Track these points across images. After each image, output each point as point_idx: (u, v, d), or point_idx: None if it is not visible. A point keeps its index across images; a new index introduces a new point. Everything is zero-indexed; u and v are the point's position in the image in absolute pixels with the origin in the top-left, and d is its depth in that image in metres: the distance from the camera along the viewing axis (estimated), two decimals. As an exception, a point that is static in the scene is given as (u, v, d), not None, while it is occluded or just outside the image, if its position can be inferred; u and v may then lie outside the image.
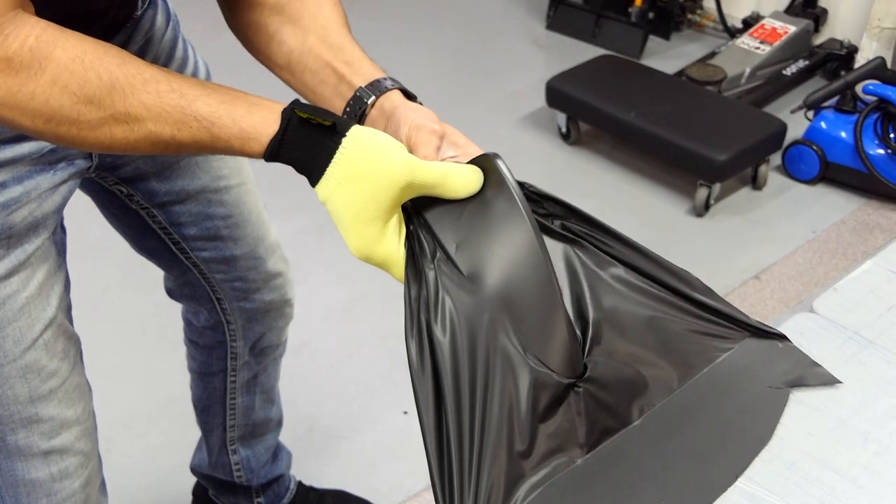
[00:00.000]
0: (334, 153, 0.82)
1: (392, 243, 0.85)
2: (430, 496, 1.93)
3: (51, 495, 1.16)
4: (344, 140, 0.82)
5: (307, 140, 0.83)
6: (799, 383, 0.92)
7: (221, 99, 0.85)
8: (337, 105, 0.99)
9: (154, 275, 1.48)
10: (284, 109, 0.85)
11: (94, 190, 1.29)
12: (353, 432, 2.08)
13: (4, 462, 1.12)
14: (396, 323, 2.33)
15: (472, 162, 0.88)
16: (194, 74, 1.26)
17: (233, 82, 0.90)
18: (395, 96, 0.96)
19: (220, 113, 0.84)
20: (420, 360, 0.81)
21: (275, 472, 1.72)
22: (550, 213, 0.91)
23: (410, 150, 0.88)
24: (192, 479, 1.83)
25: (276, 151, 0.84)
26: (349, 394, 2.17)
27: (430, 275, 0.84)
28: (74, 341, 1.17)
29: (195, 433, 1.69)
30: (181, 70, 1.23)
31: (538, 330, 0.85)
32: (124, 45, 1.09)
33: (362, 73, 0.98)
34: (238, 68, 1.49)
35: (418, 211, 0.87)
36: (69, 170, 1.08)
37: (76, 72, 0.81)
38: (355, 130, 0.83)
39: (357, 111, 0.96)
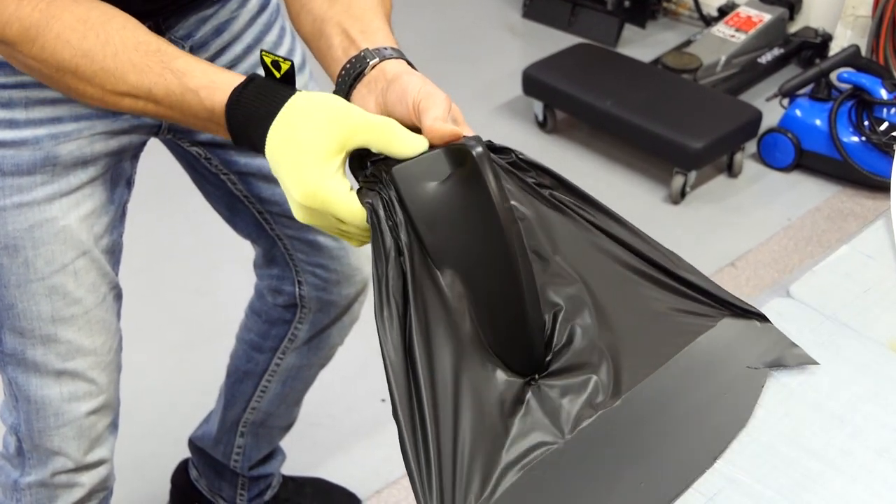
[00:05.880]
0: (287, 99, 0.88)
1: (337, 182, 0.87)
2: (407, 483, 1.93)
3: (59, 414, 1.24)
4: (298, 93, 0.89)
5: (266, 90, 0.90)
6: (777, 364, 0.92)
7: (200, 61, 0.95)
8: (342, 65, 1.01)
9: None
10: (252, 73, 0.92)
11: (175, 151, 1.37)
12: (330, 420, 2.08)
13: (22, 376, 1.22)
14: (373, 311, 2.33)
15: (452, 148, 0.86)
16: None
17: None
18: (399, 64, 0.97)
19: (193, 67, 0.94)
20: (388, 340, 0.81)
21: (266, 470, 1.74)
22: (540, 182, 0.91)
23: (418, 115, 0.89)
24: (170, 468, 1.82)
25: (237, 100, 0.90)
26: (326, 381, 2.15)
27: (400, 258, 0.83)
28: (110, 284, 1.24)
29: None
30: None
31: (503, 328, 0.85)
32: (206, 19, 1.17)
33: (373, 40, 1.00)
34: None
35: (394, 184, 0.85)
36: (133, 122, 1.16)
37: (77, 29, 0.93)
38: (310, 91, 0.90)
39: (357, 70, 0.97)
